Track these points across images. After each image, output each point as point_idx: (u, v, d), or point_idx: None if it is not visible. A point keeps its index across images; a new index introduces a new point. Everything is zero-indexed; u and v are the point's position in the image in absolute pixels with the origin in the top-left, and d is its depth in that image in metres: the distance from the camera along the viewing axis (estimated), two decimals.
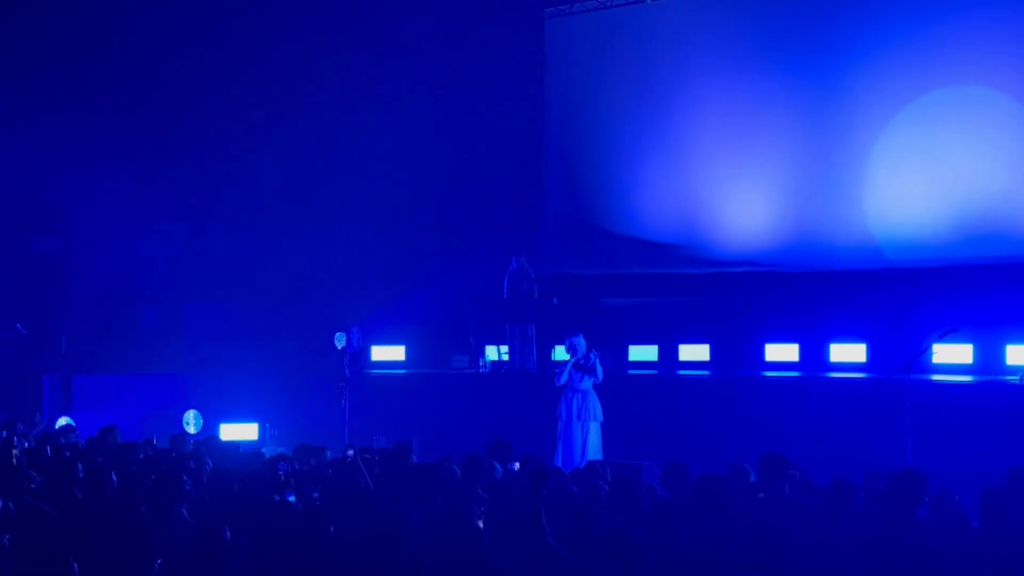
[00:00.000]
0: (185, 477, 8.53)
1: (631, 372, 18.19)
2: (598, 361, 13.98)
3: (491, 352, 18.62)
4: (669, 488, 8.74)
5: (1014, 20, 16.55)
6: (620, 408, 14.64)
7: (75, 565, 6.09)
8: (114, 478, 8.97)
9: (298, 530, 7.09)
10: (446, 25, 20.64)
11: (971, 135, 16.78)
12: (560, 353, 14.87)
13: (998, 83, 16.58)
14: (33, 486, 9.16)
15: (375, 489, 8.96)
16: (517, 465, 9.90)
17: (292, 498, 8.69)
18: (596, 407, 13.90)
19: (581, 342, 14.03)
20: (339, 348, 17.57)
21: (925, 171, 17.16)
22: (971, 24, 16.83)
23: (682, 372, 18.03)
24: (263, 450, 13.29)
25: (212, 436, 13.01)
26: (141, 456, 10.60)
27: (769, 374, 17.17)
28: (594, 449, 13.76)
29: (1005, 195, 16.47)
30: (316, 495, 8.90)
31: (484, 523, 7.62)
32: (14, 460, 9.76)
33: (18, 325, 18.90)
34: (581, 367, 13.94)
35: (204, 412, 17.44)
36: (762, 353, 17.99)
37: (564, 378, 13.95)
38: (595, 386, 14.09)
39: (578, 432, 13.80)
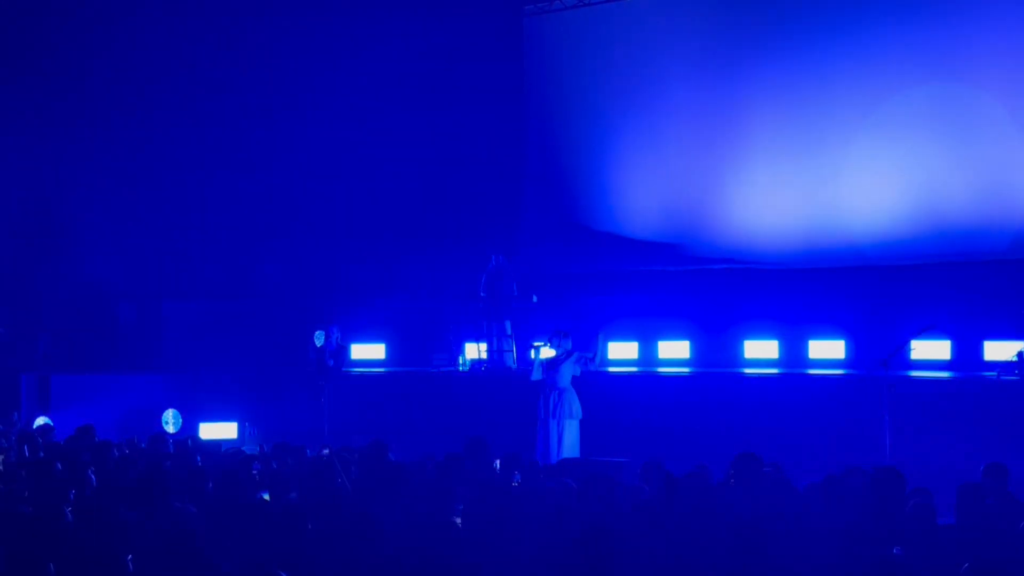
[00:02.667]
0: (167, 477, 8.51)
1: (611, 369, 18.19)
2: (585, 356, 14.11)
3: (471, 350, 18.61)
4: (646, 485, 8.76)
5: (990, 18, 16.61)
6: (600, 405, 14.65)
7: (52, 567, 6.07)
8: (93, 478, 8.95)
9: (274, 529, 7.08)
10: (425, 24, 20.61)
11: (948, 132, 16.83)
12: (540, 352, 14.91)
13: (975, 81, 16.64)
14: (15, 485, 9.13)
15: (352, 488, 8.95)
16: (498, 463, 9.91)
17: (266, 496, 8.68)
18: (573, 405, 13.91)
19: (567, 343, 14.11)
20: (319, 346, 17.54)
21: (903, 168, 17.21)
22: (948, 22, 16.89)
23: (662, 369, 18.04)
24: (244, 448, 13.26)
25: (190, 435, 12.98)
26: (116, 455, 10.56)
27: (749, 371, 17.20)
28: (570, 446, 13.76)
29: (982, 192, 16.53)
30: (294, 494, 8.88)
31: (462, 521, 7.63)
32: (0, 466, 9.74)
33: None
34: (561, 362, 13.99)
35: (183, 411, 17.38)
36: (742, 350, 18.03)
37: (538, 374, 14.05)
38: (575, 382, 14.12)
39: (553, 430, 13.81)
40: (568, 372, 14.00)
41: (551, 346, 14.21)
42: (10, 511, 7.91)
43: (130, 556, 6.42)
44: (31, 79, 19.89)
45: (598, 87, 20.23)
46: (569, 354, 14.09)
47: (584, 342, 15.07)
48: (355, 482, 9.24)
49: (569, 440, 13.80)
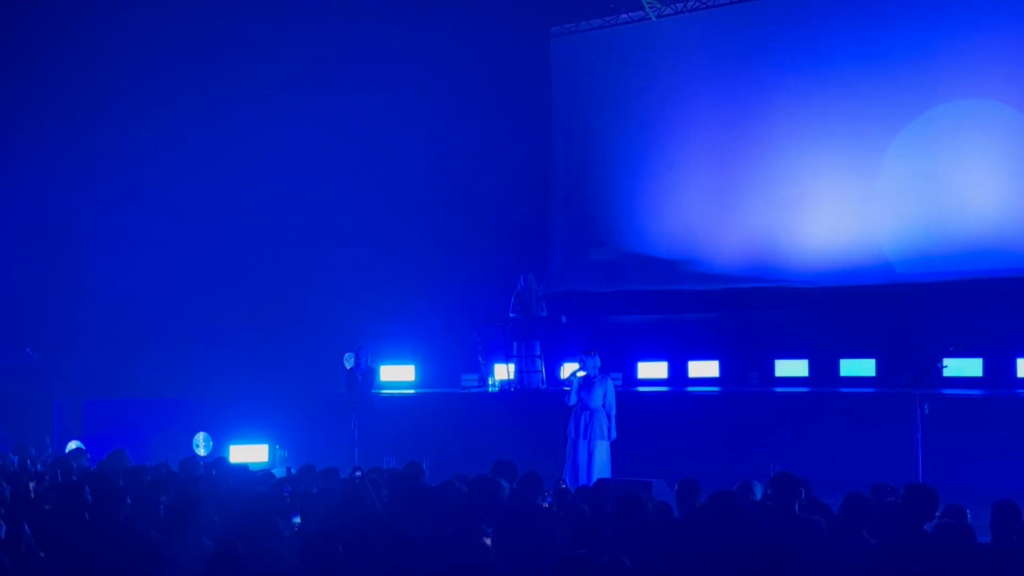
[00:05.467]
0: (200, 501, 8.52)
1: (640, 389, 18.14)
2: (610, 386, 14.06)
3: (500, 371, 18.59)
4: (681, 505, 8.72)
5: (1018, 35, 16.56)
6: (630, 425, 14.62)
7: None
8: (130, 501, 8.98)
9: (306, 551, 7.08)
10: (453, 45, 20.68)
11: (978, 148, 16.78)
12: (569, 371, 14.94)
13: (1004, 96, 16.59)
14: (47, 507, 9.17)
15: (384, 510, 8.94)
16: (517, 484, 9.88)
17: (297, 519, 8.68)
18: (603, 425, 13.88)
19: (596, 361, 14.07)
20: (348, 368, 17.56)
21: (933, 185, 17.16)
22: (976, 37, 16.86)
23: (692, 389, 17.99)
24: (273, 471, 13.27)
25: (220, 458, 13.00)
26: (149, 479, 10.60)
27: (779, 390, 17.13)
28: (601, 467, 13.72)
29: (1012, 208, 16.46)
30: (325, 517, 8.88)
31: (491, 541, 7.62)
32: (31, 493, 9.79)
33: (28, 349, 18.95)
34: (593, 383, 13.96)
35: (214, 434, 17.42)
36: (772, 369, 17.95)
37: (574, 399, 14.03)
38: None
39: (583, 450, 13.78)
40: (600, 393, 13.98)
41: (581, 367, 14.21)
42: (46, 535, 7.94)
43: None
44: (56, 103, 20.03)
45: (624, 108, 20.26)
46: (603, 377, 14.07)
47: (613, 362, 15.06)
48: (387, 504, 9.24)
49: (600, 460, 13.77)
